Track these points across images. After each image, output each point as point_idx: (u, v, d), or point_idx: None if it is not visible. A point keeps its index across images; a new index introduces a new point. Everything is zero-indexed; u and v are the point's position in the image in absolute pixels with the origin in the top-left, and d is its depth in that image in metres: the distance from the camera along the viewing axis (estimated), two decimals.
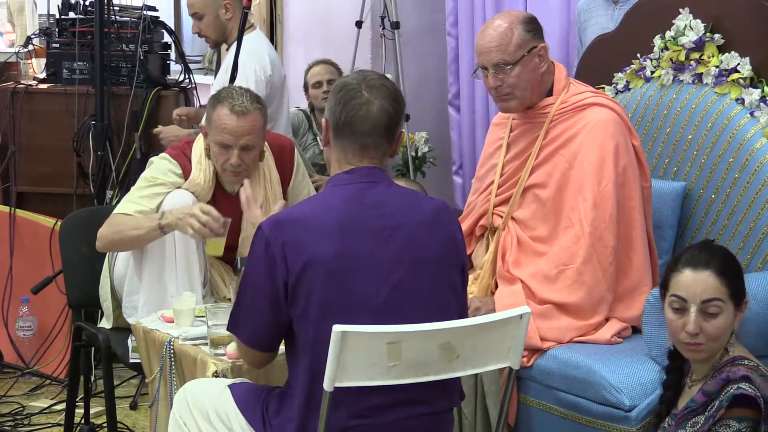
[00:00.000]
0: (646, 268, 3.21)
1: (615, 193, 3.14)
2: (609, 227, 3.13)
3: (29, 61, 5.22)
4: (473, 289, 3.28)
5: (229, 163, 3.29)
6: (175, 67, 5.19)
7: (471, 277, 3.31)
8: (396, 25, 5.23)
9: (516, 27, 3.20)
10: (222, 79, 4.12)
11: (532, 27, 3.23)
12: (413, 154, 5.33)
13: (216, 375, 2.76)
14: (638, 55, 3.68)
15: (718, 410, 2.45)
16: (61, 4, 4.95)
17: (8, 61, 5.13)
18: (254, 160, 3.35)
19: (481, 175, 3.49)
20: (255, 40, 4.39)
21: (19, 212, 4.78)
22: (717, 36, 3.44)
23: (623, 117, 3.26)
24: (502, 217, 3.31)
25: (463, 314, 2.55)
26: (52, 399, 4.41)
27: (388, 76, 5.20)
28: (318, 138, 5.06)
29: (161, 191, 3.37)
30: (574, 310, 3.12)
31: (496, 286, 3.27)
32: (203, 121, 3.43)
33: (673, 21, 3.55)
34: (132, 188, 3.44)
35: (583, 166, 3.17)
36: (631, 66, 3.72)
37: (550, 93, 3.29)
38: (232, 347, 2.82)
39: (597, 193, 3.13)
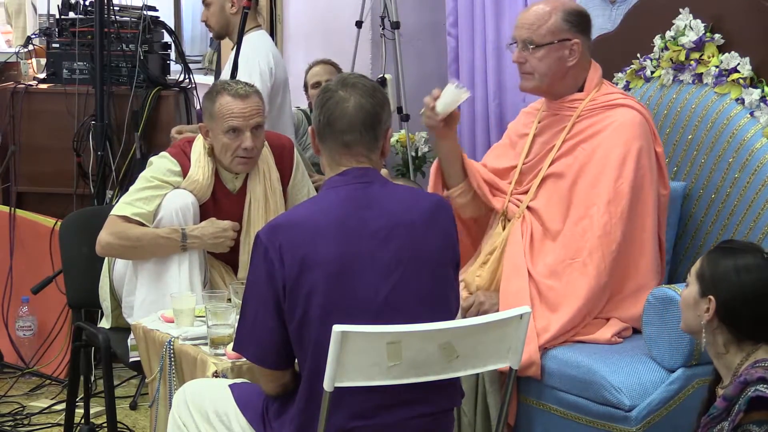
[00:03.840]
0: (653, 273, 3.20)
1: (630, 192, 3.14)
2: (618, 223, 3.13)
3: (29, 61, 5.21)
4: (481, 273, 3.29)
5: (243, 147, 3.33)
6: (175, 67, 5.19)
7: (479, 262, 3.32)
8: (396, 25, 5.23)
9: (556, 13, 3.21)
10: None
11: (574, 19, 3.23)
12: (413, 154, 5.33)
13: (216, 375, 2.76)
14: (638, 55, 3.68)
15: (737, 414, 2.36)
16: (61, 4, 4.95)
17: (8, 61, 5.13)
18: (262, 144, 3.41)
19: (500, 152, 3.49)
20: (260, 39, 4.41)
21: (19, 212, 4.78)
22: (717, 36, 3.43)
23: (650, 122, 3.25)
24: (518, 206, 3.31)
25: (458, 310, 2.57)
26: (52, 399, 4.40)
27: (388, 76, 5.26)
28: None
29: (159, 193, 3.37)
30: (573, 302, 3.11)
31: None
32: (203, 120, 3.43)
33: (673, 21, 3.55)
34: (131, 188, 3.44)
35: (603, 162, 3.17)
36: (631, 66, 3.71)
37: (581, 90, 3.29)
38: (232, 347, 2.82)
39: (612, 189, 3.13)
